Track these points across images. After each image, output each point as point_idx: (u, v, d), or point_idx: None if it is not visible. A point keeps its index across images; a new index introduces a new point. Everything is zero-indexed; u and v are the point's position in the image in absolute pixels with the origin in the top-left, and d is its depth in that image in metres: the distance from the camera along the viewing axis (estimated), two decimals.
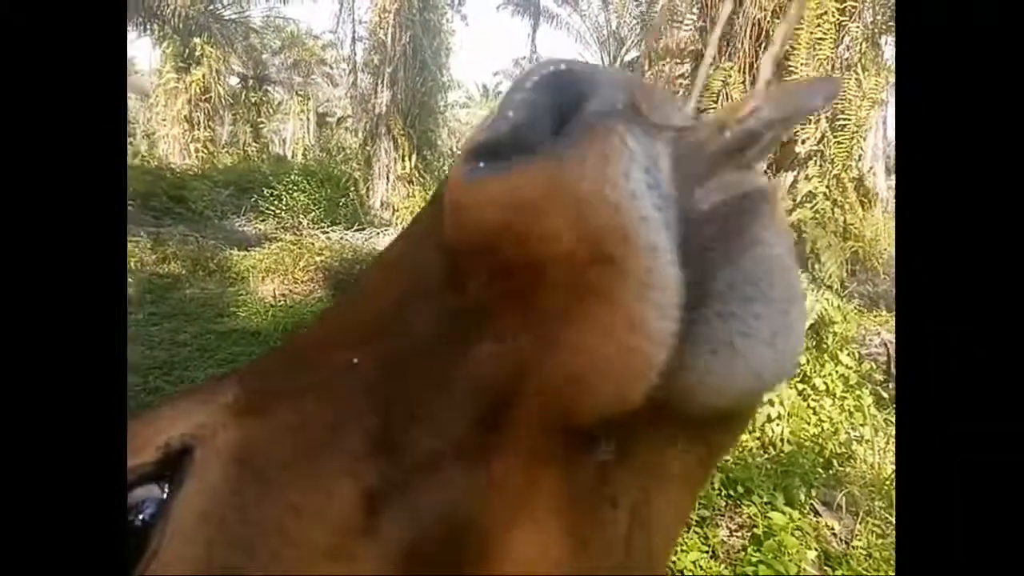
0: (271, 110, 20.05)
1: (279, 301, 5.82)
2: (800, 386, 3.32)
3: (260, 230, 9.03)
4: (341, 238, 8.48)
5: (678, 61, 4.65)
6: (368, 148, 11.32)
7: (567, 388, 0.25)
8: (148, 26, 12.87)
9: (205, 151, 14.26)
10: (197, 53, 13.86)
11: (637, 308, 0.23)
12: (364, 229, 9.36)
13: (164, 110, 14.59)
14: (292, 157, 18.38)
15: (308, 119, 20.39)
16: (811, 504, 2.86)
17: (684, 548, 2.49)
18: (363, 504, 0.27)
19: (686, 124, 0.26)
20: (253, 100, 18.65)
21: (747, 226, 0.25)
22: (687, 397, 0.25)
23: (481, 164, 0.26)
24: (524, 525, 0.26)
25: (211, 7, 14.42)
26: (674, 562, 2.44)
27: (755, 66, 3.48)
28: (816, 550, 2.57)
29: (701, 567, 2.43)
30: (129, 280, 5.68)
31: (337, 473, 0.28)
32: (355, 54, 12.28)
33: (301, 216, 9.33)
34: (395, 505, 0.26)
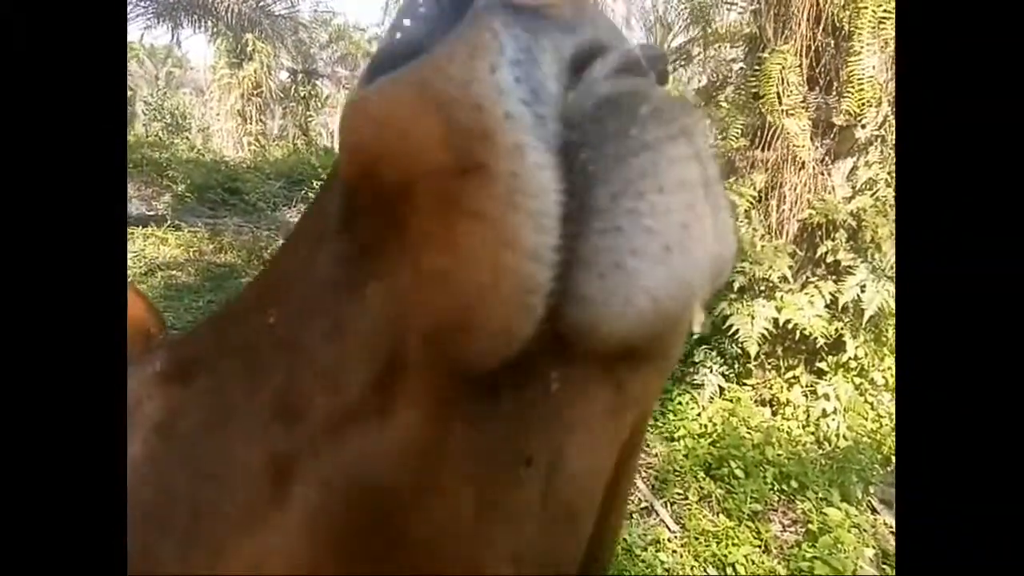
0: (319, 103, 20.44)
1: None
2: (858, 380, 3.22)
3: None
4: None
5: (731, 45, 4.52)
6: None
7: (447, 325, 0.22)
8: (203, 23, 13.26)
9: (257, 144, 14.66)
10: (249, 49, 14.23)
11: (507, 220, 0.21)
12: None
13: (218, 105, 15.04)
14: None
15: None
16: (868, 501, 2.77)
17: (736, 542, 2.46)
18: (271, 471, 0.25)
19: (598, 32, 0.24)
20: (302, 94, 19.05)
21: (633, 130, 0.22)
22: (585, 332, 0.23)
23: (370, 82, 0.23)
24: (433, 489, 0.24)
25: (262, 3, 14.77)
26: (725, 556, 2.41)
27: (813, 48, 3.35)
28: (874, 548, 2.49)
29: (753, 561, 2.39)
30: (189, 269, 5.89)
31: (247, 439, 0.26)
32: None
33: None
34: (303, 470, 0.25)
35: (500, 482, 0.25)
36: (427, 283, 0.23)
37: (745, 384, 3.37)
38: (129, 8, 11.46)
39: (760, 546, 2.47)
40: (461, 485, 0.24)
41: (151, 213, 7.69)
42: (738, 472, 2.74)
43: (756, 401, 3.32)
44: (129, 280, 0.63)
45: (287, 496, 0.25)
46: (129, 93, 15.29)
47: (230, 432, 0.26)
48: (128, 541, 0.26)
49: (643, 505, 2.71)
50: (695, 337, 3.40)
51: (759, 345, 3.13)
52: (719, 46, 5.27)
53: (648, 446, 3.06)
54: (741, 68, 4.36)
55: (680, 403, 3.22)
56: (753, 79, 3.46)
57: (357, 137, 0.23)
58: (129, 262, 5.47)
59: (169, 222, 7.15)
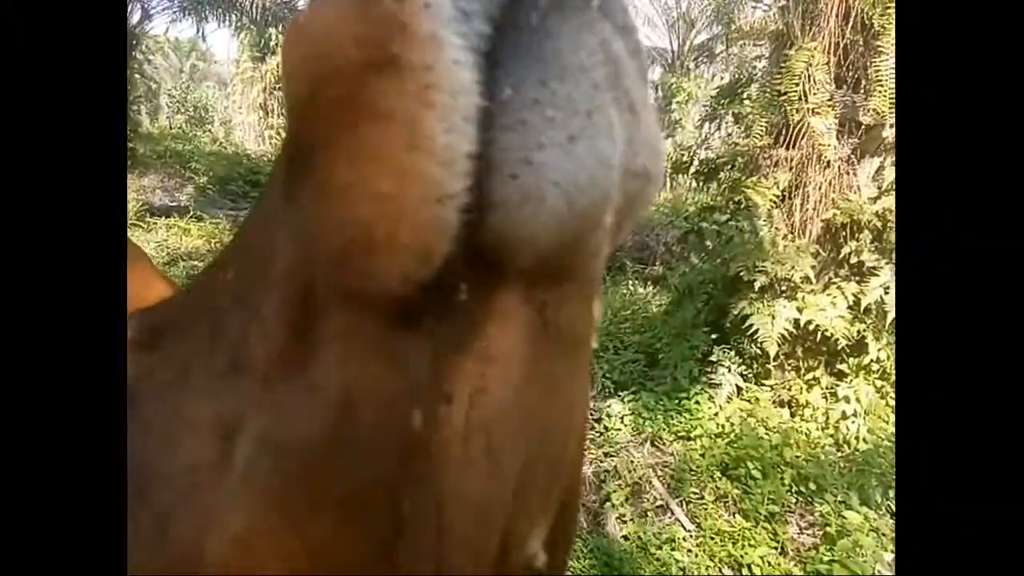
0: None
1: None
2: (879, 383, 3.17)
3: None
4: None
5: (755, 43, 4.46)
6: None
7: (353, 246, 0.21)
8: (227, 17, 13.40)
9: (279, 138, 14.79)
10: (272, 43, 14.35)
11: (417, 119, 0.19)
12: None
13: (241, 98, 15.19)
14: None
15: None
16: (888, 505, 2.73)
17: (752, 543, 2.44)
18: (218, 430, 0.24)
19: None
20: None
21: (534, 18, 0.21)
22: (504, 241, 0.21)
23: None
24: (354, 436, 0.23)
25: None
26: (741, 556, 2.39)
27: (841, 46, 3.30)
28: (893, 553, 2.46)
29: (769, 563, 2.37)
30: (211, 259, 5.97)
31: (199, 399, 0.25)
32: None
33: None
34: (245, 426, 0.24)
35: (421, 423, 0.23)
36: (330, 201, 0.21)
37: (764, 385, 3.34)
38: (155, 2, 11.60)
39: (777, 548, 2.45)
40: (382, 429, 0.23)
41: (174, 204, 7.80)
42: (755, 473, 2.72)
43: (775, 402, 3.29)
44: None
45: (231, 454, 0.24)
46: (154, 86, 15.47)
47: (185, 393, 0.26)
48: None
49: (659, 503, 2.69)
50: (712, 336, 3.37)
51: (779, 345, 3.10)
52: (743, 43, 5.21)
53: (664, 444, 3.04)
54: (766, 65, 4.31)
55: (697, 402, 3.20)
56: (778, 76, 3.42)
57: (290, 60, 0.22)
58: (152, 252, 5.55)
59: (192, 213, 7.25)
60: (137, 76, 11.27)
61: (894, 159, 3.36)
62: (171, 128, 14.86)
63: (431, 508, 0.24)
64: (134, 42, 11.19)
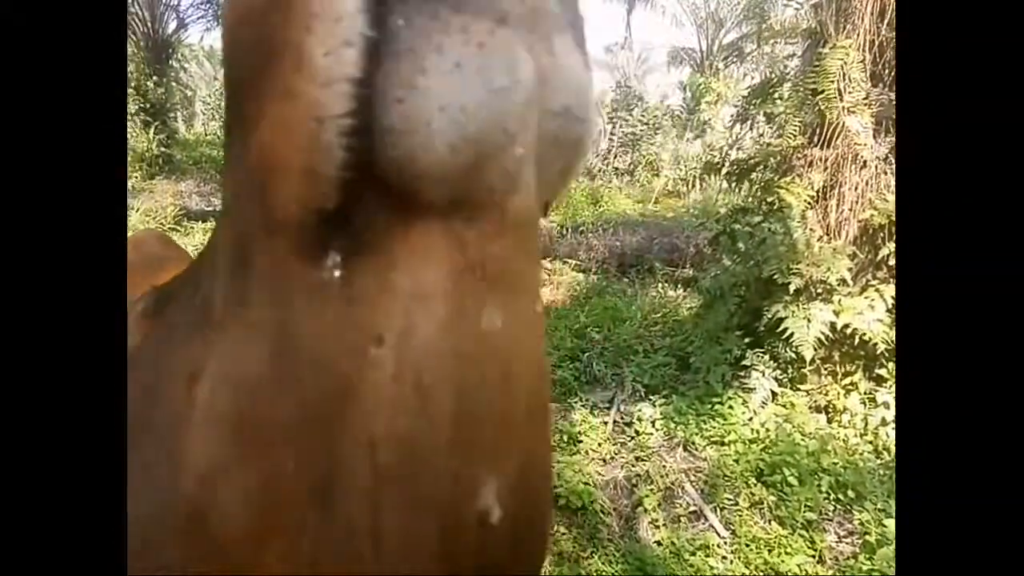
0: None
1: None
2: None
3: None
4: None
5: (789, 41, 4.39)
6: None
7: (262, 173, 0.22)
8: None
9: None
10: None
11: (301, 43, 0.20)
12: None
13: None
14: None
15: None
16: None
17: (789, 551, 2.39)
18: (186, 376, 0.26)
19: None
20: None
21: None
22: (399, 169, 0.22)
23: None
24: (288, 376, 0.24)
25: None
26: (778, 564, 2.35)
27: (876, 43, 3.23)
28: None
29: (807, 571, 2.33)
30: None
31: (176, 350, 0.27)
32: None
33: None
34: (207, 370, 0.25)
35: (352, 364, 0.24)
36: (247, 136, 0.23)
37: (799, 390, 3.28)
38: (190, 11, 11.90)
39: (814, 556, 2.40)
40: (314, 370, 0.24)
41: (209, 208, 7.98)
42: (792, 480, 2.67)
43: (811, 407, 3.22)
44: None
45: (194, 399, 0.26)
46: (189, 93, 15.85)
47: (169, 348, 0.28)
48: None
49: (692, 509, 2.66)
50: (745, 340, 3.32)
51: (815, 349, 3.04)
52: (775, 42, 5.13)
53: (696, 449, 3.01)
54: (799, 64, 4.23)
55: (730, 407, 3.16)
56: (812, 75, 3.35)
57: (222, 11, 0.24)
58: (192, 253, 5.68)
59: None
60: (173, 84, 11.56)
61: None
62: (206, 134, 15.19)
63: (365, 448, 0.24)
64: (170, 51, 11.49)
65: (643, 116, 12.05)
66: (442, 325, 0.25)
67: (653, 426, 3.16)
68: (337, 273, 0.24)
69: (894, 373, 3.09)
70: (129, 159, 9.91)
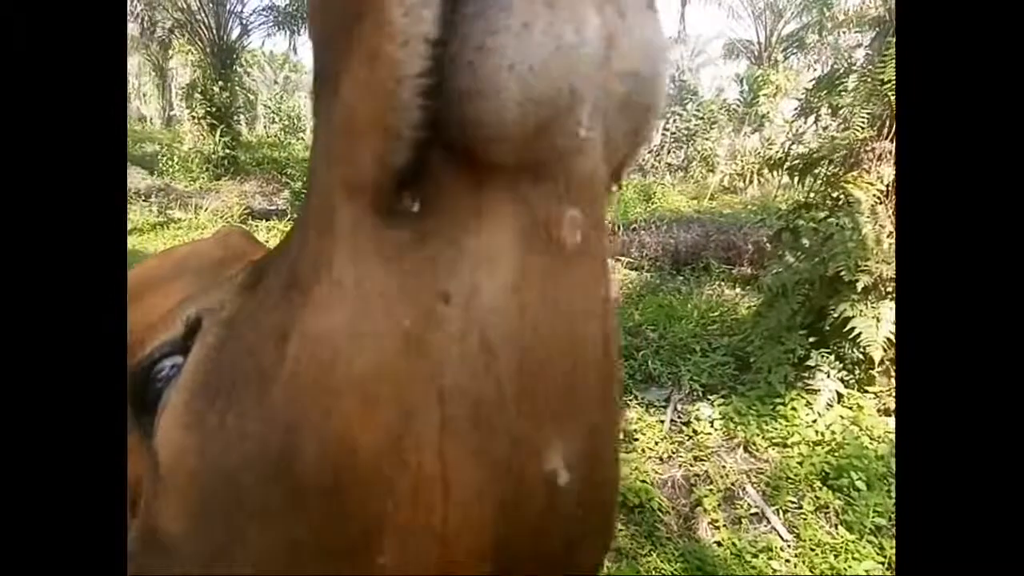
0: None
1: None
2: None
3: None
4: None
5: (856, 30, 4.23)
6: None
7: (345, 132, 0.24)
8: None
9: None
10: None
11: (382, 5, 0.21)
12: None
13: None
14: None
15: None
16: None
17: (856, 556, 2.32)
18: (276, 336, 0.28)
19: None
20: None
21: None
22: (470, 132, 0.23)
23: None
24: (362, 333, 0.25)
25: None
26: (844, 569, 2.28)
27: None
28: None
29: None
30: None
31: (270, 312, 0.29)
32: None
33: None
34: (295, 328, 0.27)
35: (421, 320, 0.25)
36: (333, 97, 0.24)
37: (867, 391, 3.16)
38: (251, 17, 12.33)
39: (884, 562, 2.32)
40: (388, 326, 0.25)
41: (272, 208, 8.29)
42: (859, 484, 2.58)
43: (879, 410, 3.11)
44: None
45: (283, 356, 0.27)
46: (251, 97, 16.42)
47: (263, 312, 0.30)
48: (194, 409, 0.30)
49: (753, 511, 2.61)
50: (809, 340, 3.23)
51: (884, 350, 2.93)
52: (839, 32, 4.94)
53: (758, 450, 2.94)
54: (866, 54, 4.07)
55: (793, 408, 3.08)
56: (881, 65, 3.22)
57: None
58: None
59: (289, 216, 7.67)
60: (237, 88, 12.01)
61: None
62: (268, 136, 15.73)
63: (434, 401, 0.26)
64: (234, 56, 11.94)
65: (698, 111, 11.79)
66: (506, 286, 0.25)
67: (712, 426, 3.12)
68: (409, 233, 0.25)
69: None
70: (197, 161, 10.37)
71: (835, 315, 3.07)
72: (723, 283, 5.19)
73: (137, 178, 9.13)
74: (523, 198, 0.25)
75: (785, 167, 3.96)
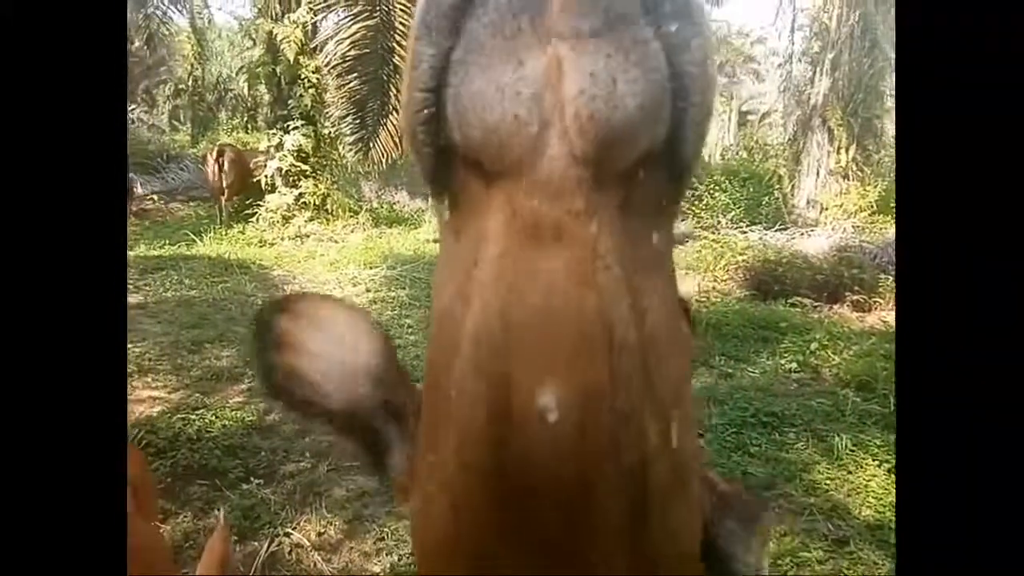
0: None
1: (702, 297, 5.96)
2: None
3: (680, 229, 9.41)
4: (761, 238, 8.16)
5: None
6: (798, 142, 10.58)
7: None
8: None
9: None
10: None
11: (409, 67, 0.35)
12: (787, 228, 8.80)
13: None
14: (709, 158, 18.58)
15: (729, 119, 20.28)
16: None
17: None
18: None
19: None
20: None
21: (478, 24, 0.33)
22: (462, 149, 0.34)
23: None
24: (441, 289, 0.40)
25: None
26: None
27: None
28: None
29: None
30: None
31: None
32: (792, 43, 11.63)
33: (720, 215, 9.35)
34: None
35: (464, 279, 0.36)
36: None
37: None
38: None
39: None
40: (452, 281, 0.38)
41: None
42: None
43: None
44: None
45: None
46: None
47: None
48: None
49: None
50: None
51: None
52: None
53: None
54: None
55: None
56: None
57: None
58: None
59: None
60: None
61: None
62: None
63: (467, 340, 0.36)
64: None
65: None
66: (495, 257, 0.34)
67: None
68: (447, 215, 0.38)
69: None
70: None
71: None
72: None
73: None
74: (507, 194, 0.34)
75: None
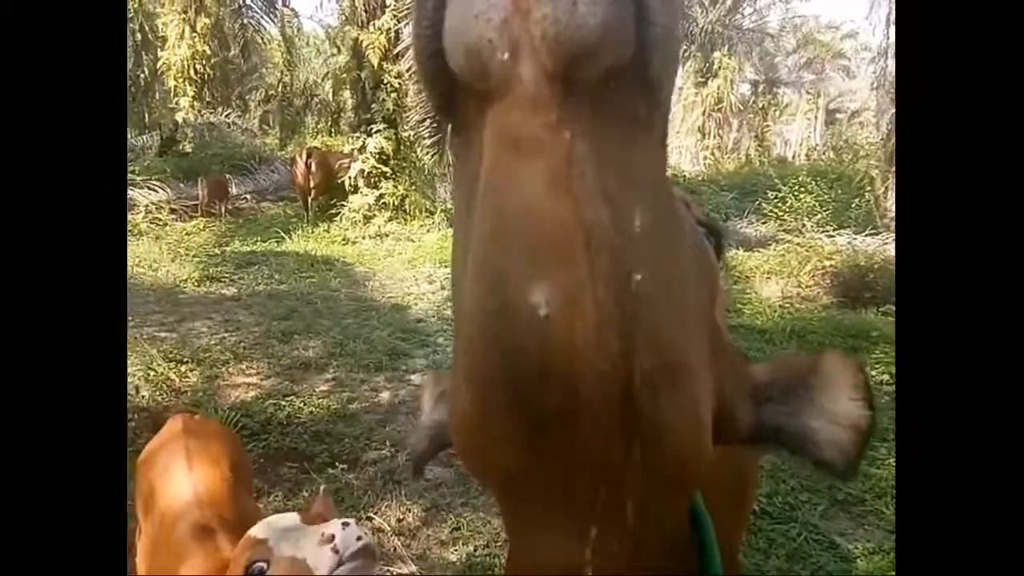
0: (778, 112, 19.81)
1: (785, 303, 5.74)
2: None
3: (761, 232, 9.07)
4: (850, 242, 7.74)
5: None
6: (891, 142, 9.96)
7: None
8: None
9: (712, 158, 15.18)
10: (715, 67, 14.82)
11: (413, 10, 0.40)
12: (879, 233, 8.31)
13: (681, 123, 16.13)
14: (794, 158, 17.78)
15: (816, 117, 19.34)
16: None
17: None
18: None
19: None
20: (760, 104, 18.81)
21: None
22: (455, 73, 0.38)
23: None
24: (455, 200, 0.47)
25: (734, 19, 15.16)
26: None
27: None
28: None
29: None
30: None
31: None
32: (888, 37, 10.94)
33: (805, 218, 8.94)
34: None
35: (472, 193, 0.41)
36: None
37: None
38: None
39: None
40: (465, 196, 0.43)
41: None
42: None
43: None
44: None
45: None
46: None
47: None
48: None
49: None
50: None
51: None
52: None
53: None
54: None
55: None
56: None
57: None
58: None
59: None
60: None
61: None
62: None
63: (476, 243, 0.40)
64: None
65: None
66: (486, 174, 0.39)
67: None
68: (464, 138, 0.42)
69: None
70: None
71: None
72: None
73: None
74: (493, 112, 0.38)
75: None
